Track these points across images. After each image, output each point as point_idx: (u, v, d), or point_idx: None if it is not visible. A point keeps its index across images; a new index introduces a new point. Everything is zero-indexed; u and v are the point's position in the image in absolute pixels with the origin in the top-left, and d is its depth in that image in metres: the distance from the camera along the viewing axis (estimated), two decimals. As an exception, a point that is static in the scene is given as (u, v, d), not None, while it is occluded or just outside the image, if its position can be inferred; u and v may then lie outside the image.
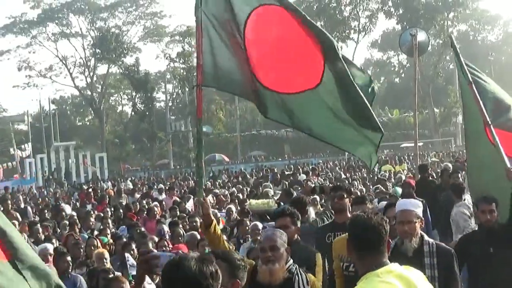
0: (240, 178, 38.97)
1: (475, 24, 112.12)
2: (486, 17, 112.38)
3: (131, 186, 38.63)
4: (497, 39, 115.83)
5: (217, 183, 36.69)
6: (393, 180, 25.19)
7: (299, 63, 8.24)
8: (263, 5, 8.07)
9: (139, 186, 40.31)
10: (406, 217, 7.19)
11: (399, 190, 15.97)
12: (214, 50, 8.01)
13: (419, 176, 17.44)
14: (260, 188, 23.34)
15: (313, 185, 19.25)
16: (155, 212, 18.50)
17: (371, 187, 23.67)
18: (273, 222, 8.45)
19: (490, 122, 7.67)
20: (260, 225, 12.49)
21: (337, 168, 45.82)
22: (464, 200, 13.13)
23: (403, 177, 23.03)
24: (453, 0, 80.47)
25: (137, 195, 27.89)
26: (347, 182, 25.41)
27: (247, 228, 13.27)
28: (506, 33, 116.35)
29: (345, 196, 9.63)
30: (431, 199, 14.63)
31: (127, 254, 10.89)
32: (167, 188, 30.55)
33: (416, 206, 7.30)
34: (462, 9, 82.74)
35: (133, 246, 11.89)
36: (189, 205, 21.57)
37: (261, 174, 40.94)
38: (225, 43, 8.06)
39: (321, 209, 13.50)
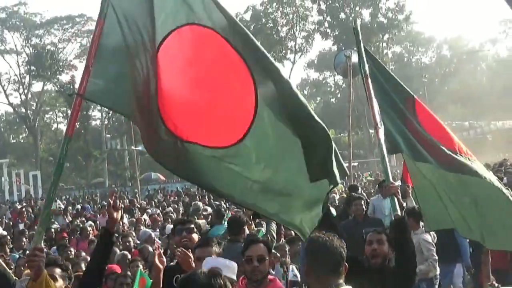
0: (176, 197, 38.84)
1: (409, 46, 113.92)
2: (420, 39, 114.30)
3: (62, 206, 38.03)
4: (430, 61, 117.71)
5: (153, 202, 36.48)
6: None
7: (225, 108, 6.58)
8: (191, 24, 6.48)
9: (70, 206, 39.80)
10: None
11: (333, 210, 16.09)
12: (112, 57, 6.51)
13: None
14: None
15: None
16: (88, 232, 18.29)
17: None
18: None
19: (378, 125, 7.09)
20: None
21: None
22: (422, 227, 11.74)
23: (337, 197, 23.18)
24: (388, 22, 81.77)
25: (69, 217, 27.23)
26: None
27: (177, 247, 13.22)
28: (440, 55, 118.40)
29: None
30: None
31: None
32: (100, 206, 30.26)
33: None
34: (396, 31, 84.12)
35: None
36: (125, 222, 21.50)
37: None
38: (129, 56, 6.45)
39: (255, 229, 13.47)
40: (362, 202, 13.63)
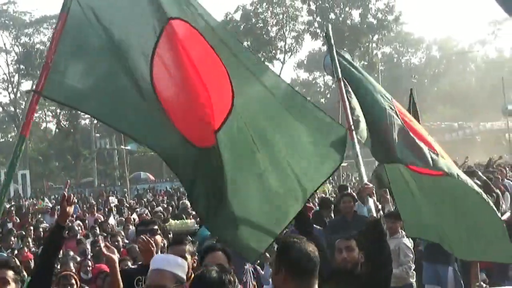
0: (166, 197, 38.84)
1: (399, 46, 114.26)
2: (410, 40, 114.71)
3: (50, 205, 37.86)
4: (420, 62, 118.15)
5: (142, 202, 36.43)
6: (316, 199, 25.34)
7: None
8: (174, 19, 6.30)
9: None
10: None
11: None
12: (75, 53, 6.10)
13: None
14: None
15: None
16: (76, 232, 18.25)
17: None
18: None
19: (352, 127, 6.96)
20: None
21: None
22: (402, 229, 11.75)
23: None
24: (377, 23, 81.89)
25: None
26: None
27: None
28: (429, 56, 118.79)
29: None
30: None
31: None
32: (88, 206, 30.20)
33: None
34: (386, 32, 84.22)
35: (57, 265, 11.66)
36: (110, 222, 21.50)
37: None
38: (97, 52, 6.15)
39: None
40: (351, 200, 13.40)
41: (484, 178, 16.04)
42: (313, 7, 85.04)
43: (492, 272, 12.34)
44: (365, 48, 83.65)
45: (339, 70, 7.30)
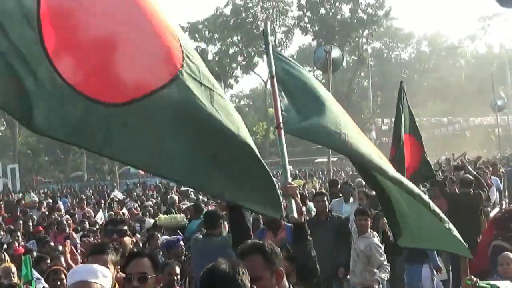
0: (155, 192, 38.83)
1: (389, 42, 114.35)
2: (400, 35, 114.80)
3: (36, 199, 37.71)
4: (410, 57, 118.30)
5: (133, 196, 36.43)
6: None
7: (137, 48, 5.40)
8: None
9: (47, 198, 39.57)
10: None
11: (312, 205, 16.00)
12: None
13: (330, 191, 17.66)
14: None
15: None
16: (64, 226, 18.20)
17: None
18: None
19: (280, 124, 6.76)
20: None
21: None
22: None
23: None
24: (367, 18, 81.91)
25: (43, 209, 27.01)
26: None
27: (158, 242, 13.20)
28: (419, 51, 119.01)
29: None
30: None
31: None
32: (77, 200, 30.16)
33: None
34: (376, 27, 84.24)
35: (48, 260, 11.59)
36: (98, 217, 21.48)
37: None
38: None
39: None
40: (325, 199, 12.67)
41: (474, 173, 16.11)
42: (303, 1, 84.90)
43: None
44: (355, 43, 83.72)
45: (273, 67, 7.09)
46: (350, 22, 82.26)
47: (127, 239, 7.37)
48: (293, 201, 6.39)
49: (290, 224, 8.76)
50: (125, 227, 7.53)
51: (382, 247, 11.48)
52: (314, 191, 22.09)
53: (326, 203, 12.63)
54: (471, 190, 14.96)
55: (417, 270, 12.53)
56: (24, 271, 8.78)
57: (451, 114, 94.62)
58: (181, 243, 12.15)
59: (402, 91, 14.58)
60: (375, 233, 11.58)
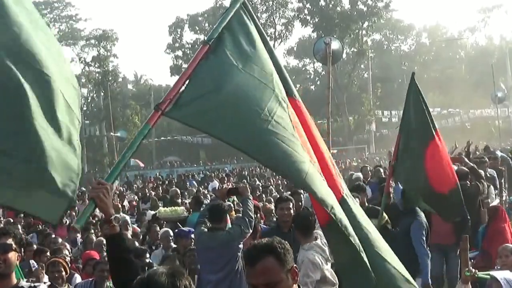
0: (155, 184, 38.85)
1: (389, 33, 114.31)
2: (400, 27, 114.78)
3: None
4: (410, 49, 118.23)
5: (133, 188, 36.46)
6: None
7: None
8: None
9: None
10: None
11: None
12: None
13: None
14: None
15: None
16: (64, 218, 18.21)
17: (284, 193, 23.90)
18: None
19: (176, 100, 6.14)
20: (171, 232, 12.45)
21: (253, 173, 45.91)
22: (316, 239, 9.08)
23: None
24: (367, 10, 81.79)
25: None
26: (261, 188, 25.63)
27: (157, 234, 13.21)
28: (419, 43, 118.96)
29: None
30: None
31: (31, 261, 10.69)
32: (79, 193, 30.09)
33: None
34: (376, 19, 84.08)
35: (47, 253, 11.59)
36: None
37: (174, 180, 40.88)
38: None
39: (235, 215, 13.38)
40: (291, 205, 10.69)
41: (471, 164, 16.08)
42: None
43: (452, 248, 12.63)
44: (355, 35, 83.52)
45: (215, 34, 5.69)
46: (350, 14, 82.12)
47: (11, 256, 5.90)
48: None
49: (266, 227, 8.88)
50: (10, 241, 5.99)
51: (321, 262, 8.81)
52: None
53: (292, 211, 10.62)
54: (467, 182, 14.94)
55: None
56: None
57: (451, 106, 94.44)
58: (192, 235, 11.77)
59: (414, 84, 11.75)
60: (318, 241, 9.01)
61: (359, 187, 13.88)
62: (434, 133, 10.54)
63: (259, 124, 5.26)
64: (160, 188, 32.37)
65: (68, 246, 13.32)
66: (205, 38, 5.74)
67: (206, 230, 10.09)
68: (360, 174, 19.82)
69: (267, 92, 5.61)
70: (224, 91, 5.34)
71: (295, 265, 4.55)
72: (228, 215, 11.38)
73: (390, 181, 11.79)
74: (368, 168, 19.79)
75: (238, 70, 5.56)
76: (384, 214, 11.46)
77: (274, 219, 13.43)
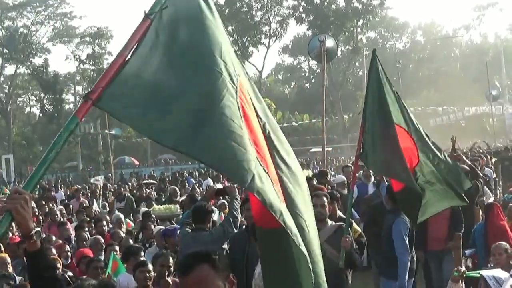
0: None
1: (383, 31, 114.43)
2: (395, 25, 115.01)
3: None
4: (405, 47, 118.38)
5: (127, 186, 36.37)
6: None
7: None
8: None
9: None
10: None
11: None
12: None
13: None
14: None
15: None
16: (56, 216, 18.15)
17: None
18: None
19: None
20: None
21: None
22: None
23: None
24: (362, 8, 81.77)
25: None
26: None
27: (151, 232, 13.18)
28: (414, 41, 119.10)
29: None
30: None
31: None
32: (73, 191, 30.07)
33: None
34: (371, 17, 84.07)
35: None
36: (95, 207, 21.48)
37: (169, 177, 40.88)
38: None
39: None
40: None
41: (469, 163, 16.09)
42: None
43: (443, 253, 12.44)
44: (350, 33, 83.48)
45: (157, 7, 4.72)
46: (345, 12, 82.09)
47: None
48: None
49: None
50: None
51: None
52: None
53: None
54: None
55: (390, 283, 11.24)
56: None
57: (446, 103, 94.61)
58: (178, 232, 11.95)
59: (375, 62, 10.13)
60: None
61: (332, 195, 11.48)
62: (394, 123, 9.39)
63: (201, 116, 4.52)
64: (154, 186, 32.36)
65: (59, 241, 13.29)
66: (146, 11, 4.69)
67: (189, 230, 10.14)
68: (343, 177, 18.75)
69: (213, 76, 4.78)
70: (161, 77, 4.61)
71: (232, 274, 4.31)
72: (222, 213, 11.35)
73: (356, 176, 11.54)
74: (350, 168, 18.82)
75: (180, 53, 4.80)
76: (356, 227, 10.96)
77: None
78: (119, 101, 4.41)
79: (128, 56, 4.51)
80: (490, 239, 11.45)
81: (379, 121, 9.53)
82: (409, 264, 10.98)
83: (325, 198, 9.50)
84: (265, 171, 4.61)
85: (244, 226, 10.41)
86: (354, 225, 10.91)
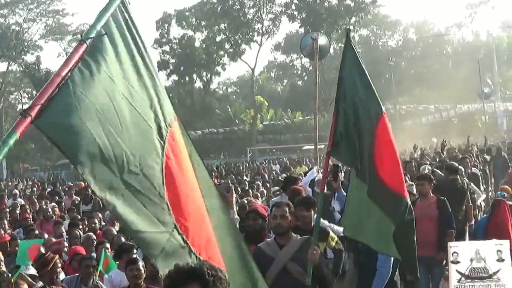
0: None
1: (376, 29, 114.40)
2: (387, 23, 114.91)
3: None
4: (397, 45, 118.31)
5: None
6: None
7: None
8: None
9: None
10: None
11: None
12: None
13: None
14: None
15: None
16: (48, 213, 18.14)
17: (271, 188, 23.95)
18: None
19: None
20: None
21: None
22: None
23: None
24: (355, 5, 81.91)
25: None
26: (247, 183, 25.67)
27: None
28: (406, 39, 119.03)
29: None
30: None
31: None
32: (66, 188, 30.04)
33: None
34: (363, 14, 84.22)
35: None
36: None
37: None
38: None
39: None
40: (261, 222, 9.38)
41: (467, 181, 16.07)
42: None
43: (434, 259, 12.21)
44: (342, 31, 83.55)
45: (92, 32, 4.54)
46: (337, 10, 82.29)
47: None
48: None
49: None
50: None
51: None
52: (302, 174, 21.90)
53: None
54: (457, 177, 15.02)
55: None
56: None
57: (438, 101, 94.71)
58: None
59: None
60: None
61: (308, 202, 10.24)
62: (382, 112, 7.91)
63: (127, 175, 4.36)
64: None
65: (53, 240, 13.28)
66: (83, 35, 4.50)
67: None
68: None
69: (146, 132, 4.66)
70: (93, 113, 4.27)
71: None
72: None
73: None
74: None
75: (115, 91, 4.50)
76: (332, 234, 9.72)
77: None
78: (55, 124, 4.20)
79: (68, 75, 4.29)
80: (490, 234, 11.48)
81: (358, 108, 8.00)
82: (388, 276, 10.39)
83: (286, 208, 8.40)
84: (183, 239, 4.58)
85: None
86: (331, 232, 9.79)
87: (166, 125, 4.83)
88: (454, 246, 6.92)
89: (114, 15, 4.77)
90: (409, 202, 7.75)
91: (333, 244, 9.61)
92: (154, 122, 4.72)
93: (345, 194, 10.20)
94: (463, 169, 17.14)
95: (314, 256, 7.79)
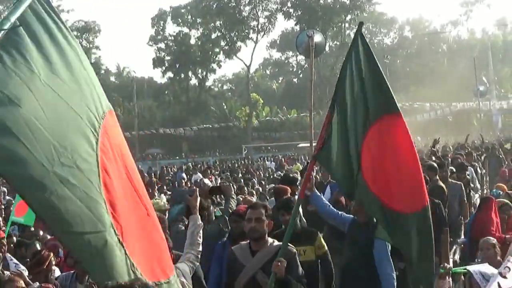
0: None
1: (371, 27, 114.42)
2: (383, 21, 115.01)
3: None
4: (392, 42, 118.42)
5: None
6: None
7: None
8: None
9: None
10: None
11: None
12: None
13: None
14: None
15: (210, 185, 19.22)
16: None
17: (267, 186, 23.95)
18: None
19: None
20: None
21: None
22: None
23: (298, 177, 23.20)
24: (350, 3, 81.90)
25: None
26: (242, 181, 25.67)
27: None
28: (402, 37, 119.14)
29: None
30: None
31: (8, 255, 10.61)
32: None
33: None
34: (359, 12, 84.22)
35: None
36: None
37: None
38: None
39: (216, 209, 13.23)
40: (264, 225, 7.82)
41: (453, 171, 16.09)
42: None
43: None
44: (337, 28, 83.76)
45: (5, 24, 4.24)
46: (333, 7, 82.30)
47: None
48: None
49: None
50: None
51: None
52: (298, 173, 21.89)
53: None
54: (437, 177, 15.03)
55: None
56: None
57: (433, 99, 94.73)
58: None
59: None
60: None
61: (289, 204, 9.37)
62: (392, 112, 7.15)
63: (58, 170, 4.00)
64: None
65: (48, 237, 13.25)
66: None
67: (183, 228, 9.98)
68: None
69: (75, 122, 4.37)
70: (19, 109, 3.93)
71: None
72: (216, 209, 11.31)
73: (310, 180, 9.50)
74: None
75: (39, 83, 4.22)
76: (322, 241, 9.12)
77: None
78: None
79: None
80: (474, 231, 11.54)
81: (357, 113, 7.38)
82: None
83: (262, 210, 7.56)
84: (119, 240, 4.32)
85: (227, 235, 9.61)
86: (322, 239, 9.22)
87: (98, 118, 4.60)
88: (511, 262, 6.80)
89: (33, 7, 4.58)
90: (420, 215, 6.96)
91: (321, 252, 9.06)
92: (85, 114, 4.47)
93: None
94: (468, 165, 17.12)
95: (278, 268, 7.01)
